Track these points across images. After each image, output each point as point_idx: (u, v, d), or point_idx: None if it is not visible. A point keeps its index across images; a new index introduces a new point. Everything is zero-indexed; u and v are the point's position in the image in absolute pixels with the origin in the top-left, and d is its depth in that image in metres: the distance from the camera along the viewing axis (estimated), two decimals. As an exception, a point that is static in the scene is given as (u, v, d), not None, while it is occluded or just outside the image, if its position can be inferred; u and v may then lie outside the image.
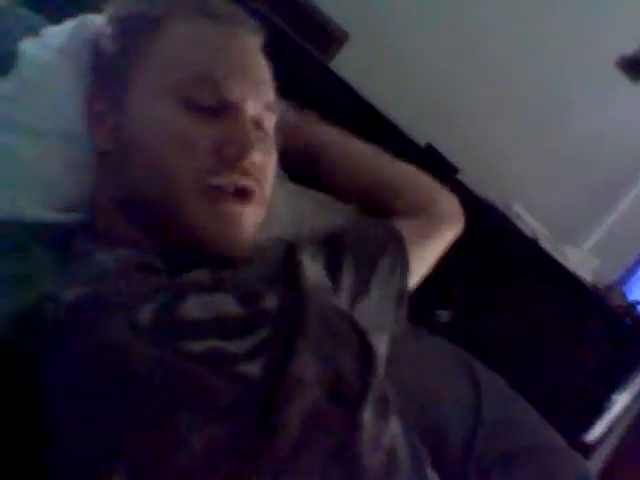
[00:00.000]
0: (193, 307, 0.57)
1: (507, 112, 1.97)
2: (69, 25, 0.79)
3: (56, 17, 0.83)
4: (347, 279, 0.76)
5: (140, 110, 0.67)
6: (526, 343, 1.55)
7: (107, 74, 0.72)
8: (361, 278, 0.78)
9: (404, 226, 0.88)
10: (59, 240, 0.64)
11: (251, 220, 0.68)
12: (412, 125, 1.69)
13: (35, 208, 0.69)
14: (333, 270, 0.75)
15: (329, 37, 1.75)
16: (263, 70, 0.72)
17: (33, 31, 0.82)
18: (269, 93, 0.72)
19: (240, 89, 0.67)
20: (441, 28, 1.87)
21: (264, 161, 0.68)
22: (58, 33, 0.79)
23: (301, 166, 0.93)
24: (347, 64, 1.73)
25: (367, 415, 0.54)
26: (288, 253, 0.72)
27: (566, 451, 1.02)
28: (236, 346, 0.55)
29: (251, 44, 0.72)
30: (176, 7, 0.71)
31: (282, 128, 0.82)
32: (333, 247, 0.79)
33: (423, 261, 0.90)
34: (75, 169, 0.71)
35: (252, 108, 0.68)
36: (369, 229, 0.87)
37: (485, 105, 1.94)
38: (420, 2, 1.84)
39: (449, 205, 0.97)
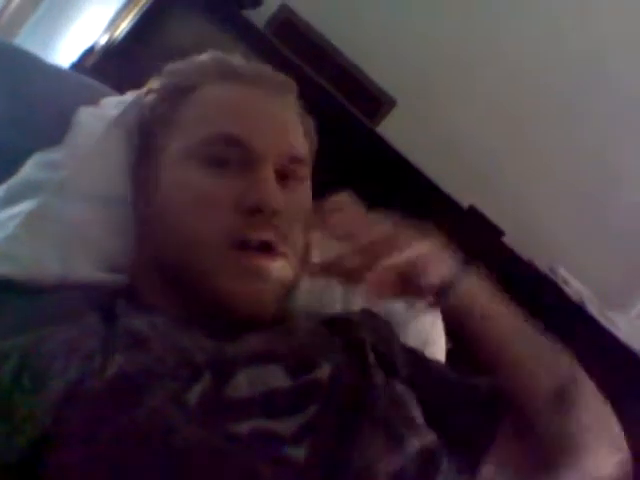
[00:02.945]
0: (242, 384, 0.56)
1: (552, 175, 1.96)
2: (127, 97, 0.84)
3: (122, 87, 0.88)
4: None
5: (170, 173, 0.70)
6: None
7: (148, 141, 0.75)
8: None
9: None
10: (105, 302, 0.64)
11: (278, 274, 0.66)
12: (455, 187, 1.71)
13: (84, 269, 0.70)
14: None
15: (377, 103, 1.80)
16: (289, 125, 0.73)
17: (93, 100, 0.86)
18: (297, 146, 0.73)
19: (261, 146, 0.68)
20: (486, 95, 1.90)
21: (289, 212, 0.67)
22: (114, 105, 0.83)
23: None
24: (393, 129, 1.77)
25: None
26: (350, 327, 0.69)
27: None
28: (283, 426, 0.54)
29: (276, 101, 0.74)
30: (204, 75, 0.74)
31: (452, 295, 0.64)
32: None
33: None
34: (121, 233, 0.74)
35: (275, 162, 0.69)
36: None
37: (530, 168, 1.95)
38: (464, 71, 1.88)
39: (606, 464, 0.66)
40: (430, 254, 0.63)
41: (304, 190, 0.73)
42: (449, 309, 0.66)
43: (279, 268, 0.66)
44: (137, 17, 1.52)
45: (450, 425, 0.64)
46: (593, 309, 1.72)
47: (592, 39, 1.88)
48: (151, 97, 0.77)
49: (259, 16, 1.70)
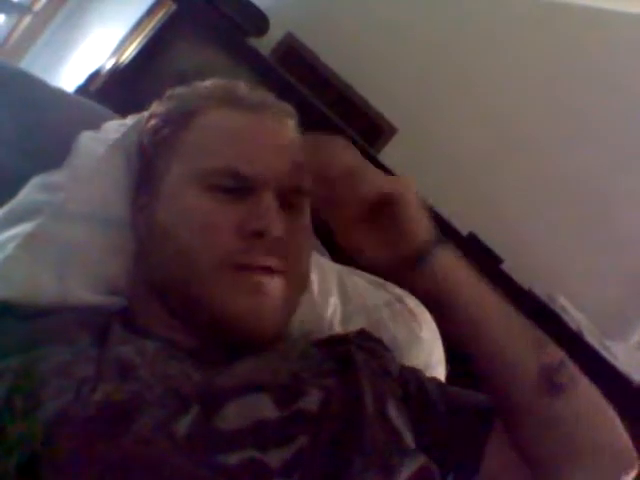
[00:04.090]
0: (231, 415, 0.56)
1: (552, 203, 1.97)
2: (127, 121, 0.84)
3: (126, 111, 0.89)
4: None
5: (170, 197, 0.70)
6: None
7: (148, 164, 0.75)
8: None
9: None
10: (100, 325, 0.65)
11: (279, 292, 0.66)
12: (455, 214, 1.72)
13: (80, 291, 0.70)
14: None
15: (378, 130, 1.82)
16: (292, 152, 0.72)
17: (97, 124, 0.87)
18: (299, 174, 0.71)
19: (263, 173, 0.68)
20: (487, 124, 1.92)
21: (292, 239, 0.67)
22: (115, 128, 0.83)
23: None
24: (394, 156, 1.79)
25: None
26: (346, 349, 0.69)
27: None
28: (272, 458, 0.54)
29: (278, 127, 0.74)
30: (207, 101, 0.74)
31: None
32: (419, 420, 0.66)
33: None
34: (119, 255, 0.74)
35: (276, 189, 0.69)
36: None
37: (530, 196, 1.96)
38: (465, 99, 1.91)
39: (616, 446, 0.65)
40: (411, 195, 0.65)
41: (305, 220, 0.73)
42: (424, 279, 0.65)
43: (280, 287, 0.66)
44: (144, 42, 1.54)
45: (442, 442, 0.64)
46: (591, 338, 1.72)
47: (596, 66, 1.91)
48: (153, 121, 0.77)
49: (264, 44, 1.73)
